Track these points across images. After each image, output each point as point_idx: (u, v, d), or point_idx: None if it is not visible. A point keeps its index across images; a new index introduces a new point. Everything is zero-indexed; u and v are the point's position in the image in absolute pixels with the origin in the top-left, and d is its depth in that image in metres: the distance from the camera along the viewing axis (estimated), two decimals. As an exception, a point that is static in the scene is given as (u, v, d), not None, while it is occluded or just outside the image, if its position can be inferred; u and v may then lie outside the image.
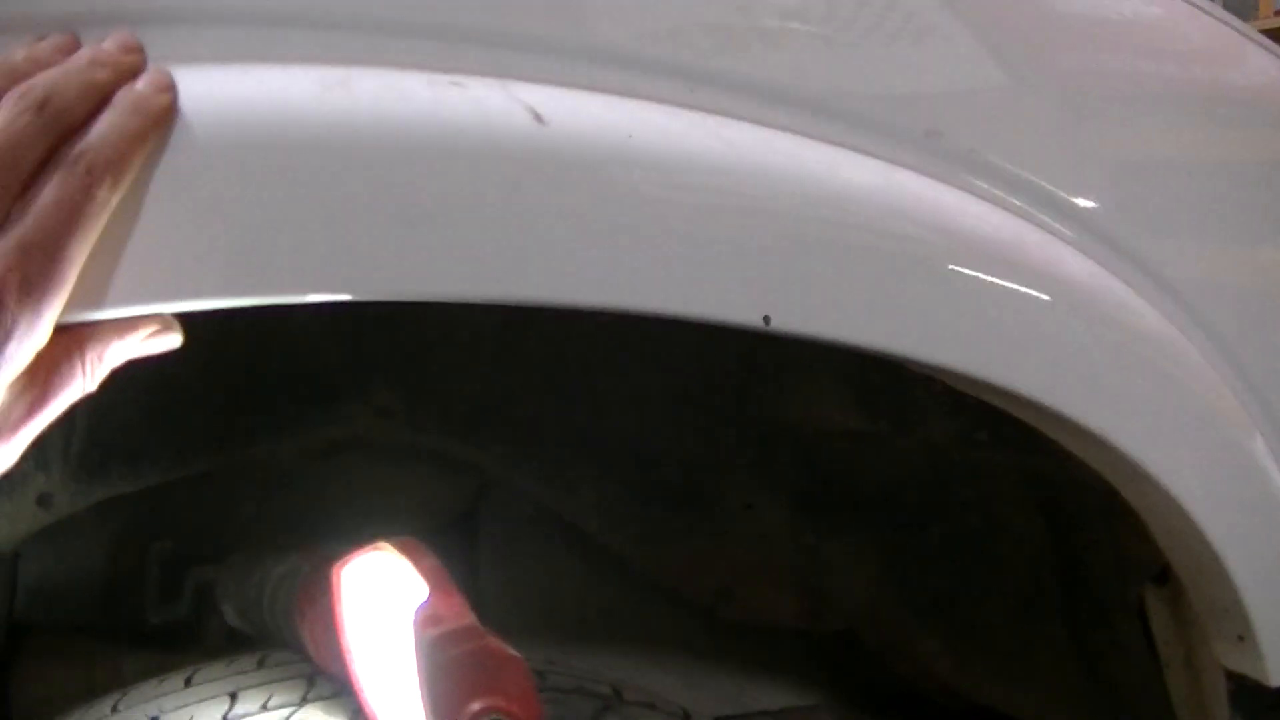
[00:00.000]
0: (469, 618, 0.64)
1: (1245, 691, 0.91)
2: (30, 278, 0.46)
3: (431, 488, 1.12)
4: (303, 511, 1.06)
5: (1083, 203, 0.81)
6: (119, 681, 0.89)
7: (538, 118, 0.59)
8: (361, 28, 0.60)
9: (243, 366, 0.95)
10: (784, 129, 0.68)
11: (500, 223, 0.57)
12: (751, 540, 1.13)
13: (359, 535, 0.81)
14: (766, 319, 0.63)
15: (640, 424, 1.09)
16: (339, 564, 0.75)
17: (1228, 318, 0.87)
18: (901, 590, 1.14)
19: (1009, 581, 1.10)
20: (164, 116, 0.50)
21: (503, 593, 1.12)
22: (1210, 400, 0.85)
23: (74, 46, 0.52)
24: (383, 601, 0.72)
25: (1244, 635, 0.87)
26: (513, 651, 0.63)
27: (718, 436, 1.10)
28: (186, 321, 0.54)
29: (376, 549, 0.73)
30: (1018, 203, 0.77)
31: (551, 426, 1.06)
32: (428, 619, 0.64)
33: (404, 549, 0.70)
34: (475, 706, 0.61)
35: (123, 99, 0.50)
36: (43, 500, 0.92)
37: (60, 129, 0.48)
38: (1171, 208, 0.86)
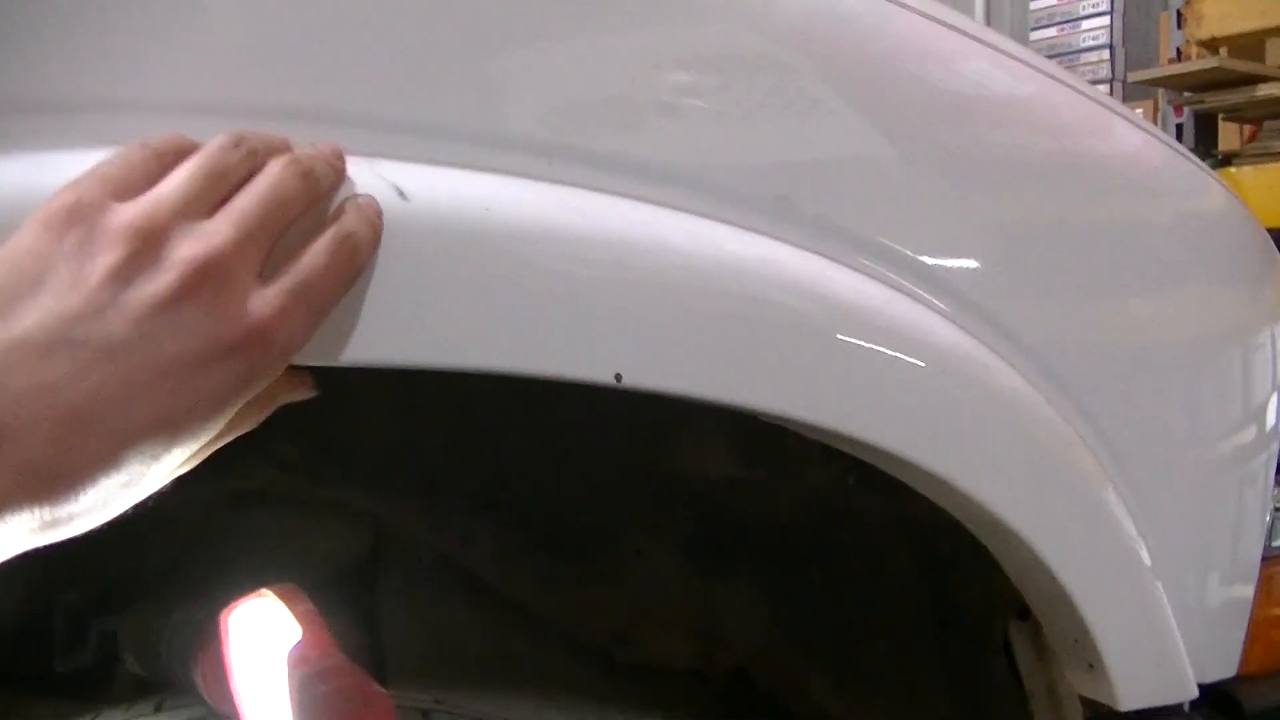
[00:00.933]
0: (336, 657, 0.69)
1: (1099, 717, 0.96)
2: (294, 319, 0.53)
3: (332, 538, 1.15)
4: (208, 562, 1.09)
5: (942, 266, 0.84)
6: (24, 726, 0.92)
7: (401, 194, 0.64)
8: (244, 112, 0.64)
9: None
10: (637, 198, 0.73)
11: (365, 290, 0.62)
12: (645, 585, 1.16)
13: (258, 584, 0.85)
14: (618, 376, 0.68)
15: (537, 477, 1.13)
16: (227, 611, 0.79)
17: (1083, 377, 0.91)
18: (789, 631, 1.18)
19: (888, 621, 1.14)
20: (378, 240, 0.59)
21: (402, 639, 1.15)
22: (1063, 453, 0.89)
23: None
24: (264, 644, 0.76)
25: (1094, 664, 0.91)
26: (378, 688, 0.67)
27: (611, 487, 1.13)
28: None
29: (259, 596, 0.77)
30: (870, 264, 0.81)
31: (450, 479, 1.10)
32: (299, 659, 0.69)
33: (282, 595, 0.75)
34: (343, 739, 0.66)
35: (362, 206, 0.59)
36: (-50, 552, 0.95)
37: (315, 199, 0.56)
38: (1033, 273, 0.90)
